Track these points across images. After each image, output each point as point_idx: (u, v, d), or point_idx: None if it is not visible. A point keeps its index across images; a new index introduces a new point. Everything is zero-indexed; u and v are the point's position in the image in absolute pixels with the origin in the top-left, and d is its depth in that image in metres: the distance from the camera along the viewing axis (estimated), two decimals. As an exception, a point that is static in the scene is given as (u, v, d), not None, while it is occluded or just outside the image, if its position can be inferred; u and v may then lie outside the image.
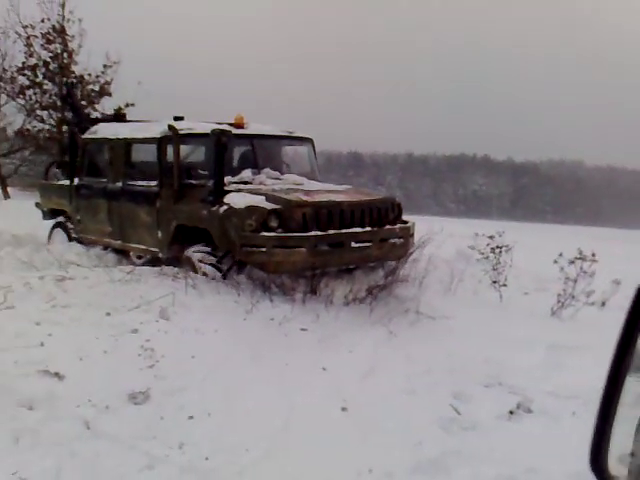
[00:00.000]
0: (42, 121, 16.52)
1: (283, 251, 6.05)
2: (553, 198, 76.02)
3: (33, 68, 16.42)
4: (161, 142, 7.05)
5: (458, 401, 4.33)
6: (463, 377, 4.66)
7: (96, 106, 16.01)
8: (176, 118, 7.53)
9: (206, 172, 6.98)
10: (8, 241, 8.88)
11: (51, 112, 16.39)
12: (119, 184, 7.64)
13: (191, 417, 3.91)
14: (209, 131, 6.59)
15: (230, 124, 7.52)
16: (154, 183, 7.12)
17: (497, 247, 6.90)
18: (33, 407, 3.81)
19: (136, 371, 4.36)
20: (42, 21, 16.35)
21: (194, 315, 5.39)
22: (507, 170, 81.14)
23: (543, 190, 77.21)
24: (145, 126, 7.69)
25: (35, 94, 16.54)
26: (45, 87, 16.47)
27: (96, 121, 9.15)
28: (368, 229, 6.45)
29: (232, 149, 7.27)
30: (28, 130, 16.62)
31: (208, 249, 6.42)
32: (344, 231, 6.31)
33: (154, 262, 7.05)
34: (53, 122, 16.32)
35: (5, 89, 17.02)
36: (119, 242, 7.77)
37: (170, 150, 6.92)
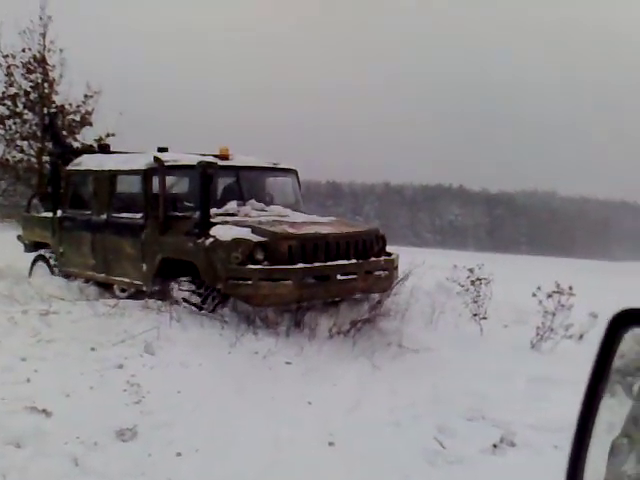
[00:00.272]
0: (22, 151, 16.42)
1: (269, 284, 6.06)
2: (528, 229, 77.06)
3: (13, 98, 16.37)
4: (146, 174, 7.05)
5: (442, 434, 4.39)
6: (446, 410, 4.73)
7: (77, 136, 16.00)
8: (160, 149, 7.55)
9: (192, 204, 6.98)
10: (-13, 274, 8.78)
11: (31, 142, 16.33)
12: (103, 216, 7.60)
13: (179, 454, 3.92)
14: (195, 163, 6.61)
15: (215, 155, 7.54)
16: (139, 215, 7.09)
17: (477, 279, 7.02)
18: (20, 444, 3.79)
19: (123, 407, 4.37)
20: (23, 50, 16.35)
21: (179, 349, 5.41)
22: (482, 200, 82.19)
23: (518, 221, 78.32)
24: (130, 157, 7.68)
25: (15, 124, 16.45)
26: (25, 117, 16.41)
27: (79, 152, 9.13)
28: (353, 261, 6.49)
29: (217, 181, 7.30)
30: (7, 160, 16.51)
31: (193, 287, 6.39)
32: (330, 263, 6.34)
33: (138, 295, 7.03)
34: (33, 152, 16.25)
35: (-16, 119, 16.94)
36: (103, 275, 7.70)
37: (155, 182, 6.91)
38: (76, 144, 14.37)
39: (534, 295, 6.49)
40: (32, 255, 8.99)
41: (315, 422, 4.44)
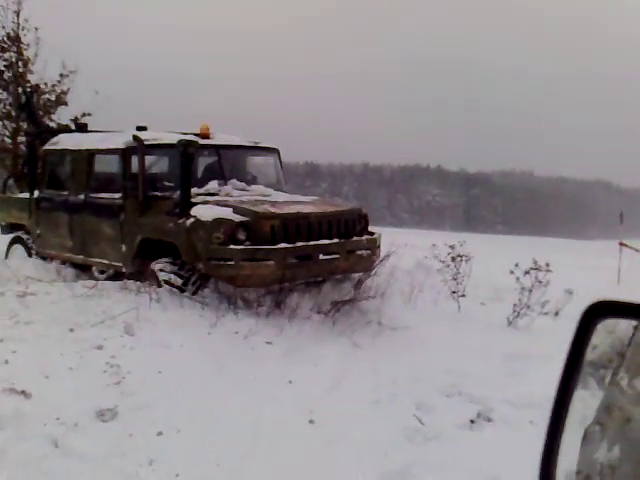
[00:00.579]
0: (-5, 132, 16.14)
1: (251, 264, 6.02)
2: (504, 208, 77.75)
3: (-14, 77, 16.04)
4: (125, 153, 6.95)
5: (421, 411, 4.45)
6: (425, 387, 4.80)
7: (52, 116, 15.73)
8: (139, 128, 7.45)
9: (172, 184, 6.93)
10: (-39, 256, 8.67)
11: (5, 122, 16.03)
12: (81, 197, 7.52)
13: (160, 433, 3.93)
14: (175, 142, 6.53)
15: (196, 134, 7.46)
16: (118, 195, 7.01)
17: (458, 256, 7.08)
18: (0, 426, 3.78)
19: (103, 388, 4.36)
20: (-4, 28, 16.01)
21: (159, 330, 5.41)
22: (460, 181, 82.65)
23: (494, 200, 78.91)
24: (108, 136, 7.57)
25: (-12, 104, 16.15)
26: (-1, 96, 16.13)
27: (56, 131, 9.00)
28: (336, 241, 6.47)
29: (198, 160, 7.21)
30: (-20, 141, 16.19)
31: (175, 266, 6.34)
32: (312, 243, 6.31)
33: (117, 277, 6.99)
34: (8, 133, 15.96)
35: (-44, 98, 16.60)
36: (81, 257, 7.63)
37: (135, 161, 6.83)
38: (52, 124, 14.14)
39: (512, 272, 6.58)
40: (8, 237, 8.88)
41: (296, 401, 4.48)
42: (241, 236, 6.09)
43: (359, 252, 6.67)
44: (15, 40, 15.99)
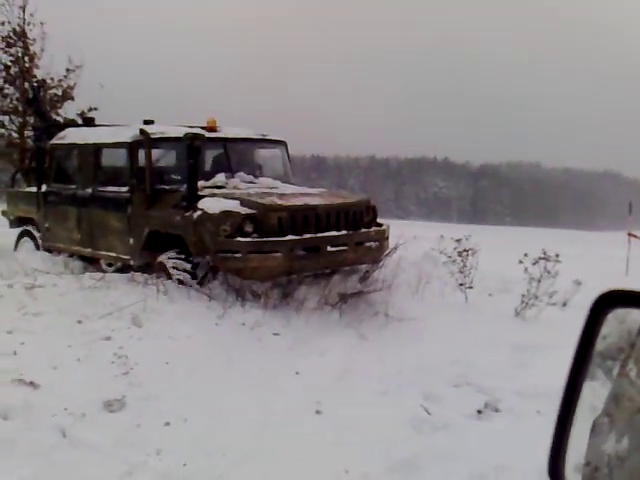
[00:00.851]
0: (2, 126, 16.17)
1: (259, 256, 6.01)
2: (512, 200, 77.50)
3: (-7, 72, 16.09)
4: (132, 146, 6.96)
5: (428, 401, 4.45)
6: (433, 378, 4.80)
7: (59, 111, 15.76)
8: (146, 122, 7.47)
9: (179, 177, 6.94)
10: (-30, 250, 8.71)
11: (12, 117, 16.07)
12: (89, 190, 7.54)
13: (167, 423, 3.95)
14: (182, 135, 6.52)
15: (202, 127, 7.45)
16: (125, 189, 7.03)
17: (464, 250, 7.05)
18: (8, 417, 3.81)
19: (111, 379, 4.38)
20: (2, 24, 15.99)
21: (166, 321, 5.42)
22: (467, 172, 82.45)
23: (502, 192, 78.68)
24: (115, 130, 7.58)
25: (-5, 98, 16.19)
26: (6, 91, 16.13)
27: (63, 126, 9.03)
28: (344, 232, 6.44)
29: (205, 153, 7.23)
30: (-13, 135, 16.24)
31: (183, 256, 6.33)
32: (320, 235, 6.28)
33: (124, 269, 7.01)
34: (14, 127, 16.00)
35: (-37, 94, 16.66)
36: (89, 250, 7.66)
37: (142, 155, 6.84)
38: (58, 118, 14.18)
39: (520, 262, 6.55)
40: (17, 231, 8.93)
41: (303, 392, 4.49)
42: (248, 228, 6.07)
43: (367, 244, 6.64)
44: (21, 35, 16.02)
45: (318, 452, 3.72)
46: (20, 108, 15.36)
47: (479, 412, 4.34)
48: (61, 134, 8.27)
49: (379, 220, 7.24)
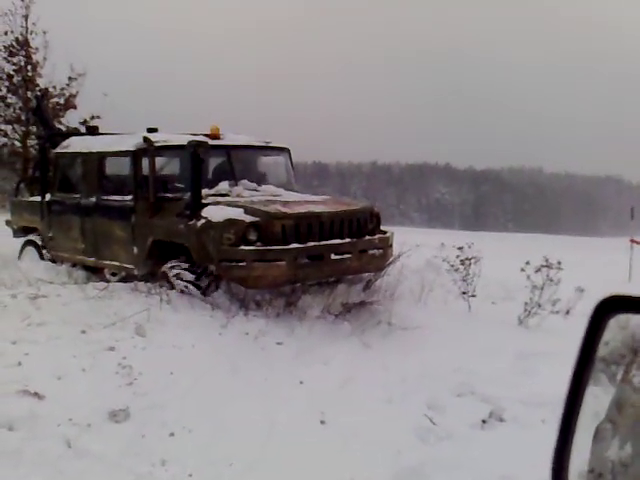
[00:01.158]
0: (5, 135, 16.25)
1: (263, 265, 5.97)
2: (514, 205, 77.48)
3: (-4, 81, 16.18)
4: (136, 155, 6.95)
5: (433, 411, 4.46)
6: (436, 386, 4.80)
7: (61, 119, 15.84)
8: (150, 130, 7.45)
9: (182, 185, 6.92)
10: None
11: (15, 126, 16.15)
12: (93, 199, 7.53)
13: (172, 434, 3.96)
14: (185, 143, 6.49)
15: (205, 135, 7.41)
16: (129, 197, 7.01)
17: (467, 259, 7.05)
18: (13, 427, 3.81)
19: (115, 389, 4.39)
20: (5, 33, 16.15)
21: (170, 331, 5.42)
22: (469, 178, 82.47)
23: (504, 198, 78.68)
24: (119, 139, 7.57)
25: (-2, 107, 16.29)
26: (9, 100, 16.23)
27: (67, 134, 9.05)
28: (348, 240, 6.40)
29: (208, 161, 7.17)
30: (-9, 145, 16.33)
31: (186, 265, 6.31)
32: (324, 243, 6.24)
33: (128, 279, 7.00)
34: (17, 136, 16.08)
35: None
36: (93, 259, 7.64)
37: (145, 163, 6.83)
38: (61, 127, 14.24)
39: (523, 270, 6.55)
40: (21, 240, 8.94)
41: (307, 401, 4.50)
42: (252, 236, 6.05)
43: (371, 251, 6.59)
44: (24, 44, 16.14)
45: (323, 461, 3.73)
46: (23, 117, 15.48)
47: (484, 422, 4.35)
48: (65, 143, 8.26)
49: (383, 227, 7.24)
